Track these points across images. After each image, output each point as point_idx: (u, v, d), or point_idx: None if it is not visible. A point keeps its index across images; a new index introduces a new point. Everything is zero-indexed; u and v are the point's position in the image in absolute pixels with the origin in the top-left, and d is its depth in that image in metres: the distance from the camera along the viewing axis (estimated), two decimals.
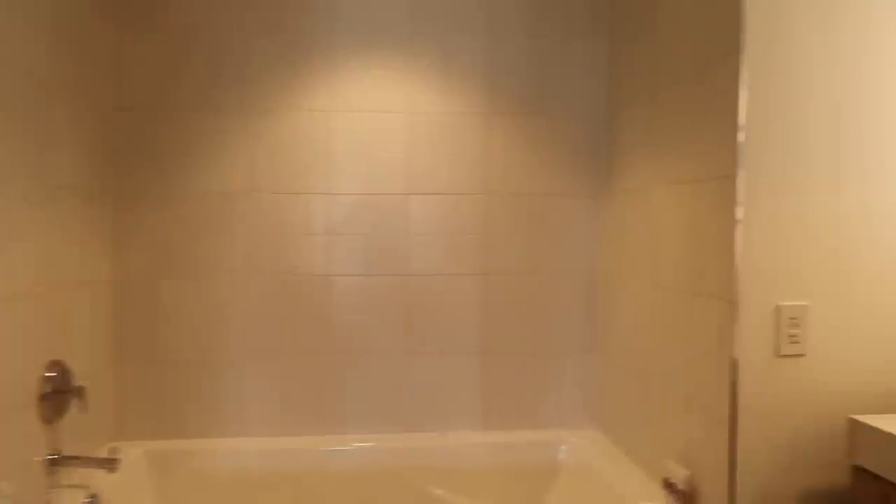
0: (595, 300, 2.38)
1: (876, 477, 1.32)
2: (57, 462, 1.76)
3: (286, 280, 2.27)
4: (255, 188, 2.25)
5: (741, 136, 1.46)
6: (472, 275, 2.34)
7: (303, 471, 2.22)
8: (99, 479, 1.85)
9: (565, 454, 2.31)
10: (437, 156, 2.31)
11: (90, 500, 1.75)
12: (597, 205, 2.37)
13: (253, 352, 2.27)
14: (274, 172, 2.26)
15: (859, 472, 1.36)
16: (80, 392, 1.82)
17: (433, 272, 2.32)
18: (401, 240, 2.32)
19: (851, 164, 1.48)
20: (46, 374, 1.75)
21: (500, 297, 2.35)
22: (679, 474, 1.68)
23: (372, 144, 2.30)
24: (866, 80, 1.48)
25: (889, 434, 1.30)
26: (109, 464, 1.77)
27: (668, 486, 1.72)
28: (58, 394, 1.77)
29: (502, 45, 2.32)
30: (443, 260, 2.33)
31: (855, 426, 1.38)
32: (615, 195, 2.25)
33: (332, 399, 2.31)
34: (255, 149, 2.25)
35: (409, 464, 2.26)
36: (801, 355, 1.48)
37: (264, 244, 2.27)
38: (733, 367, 1.49)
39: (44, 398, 1.73)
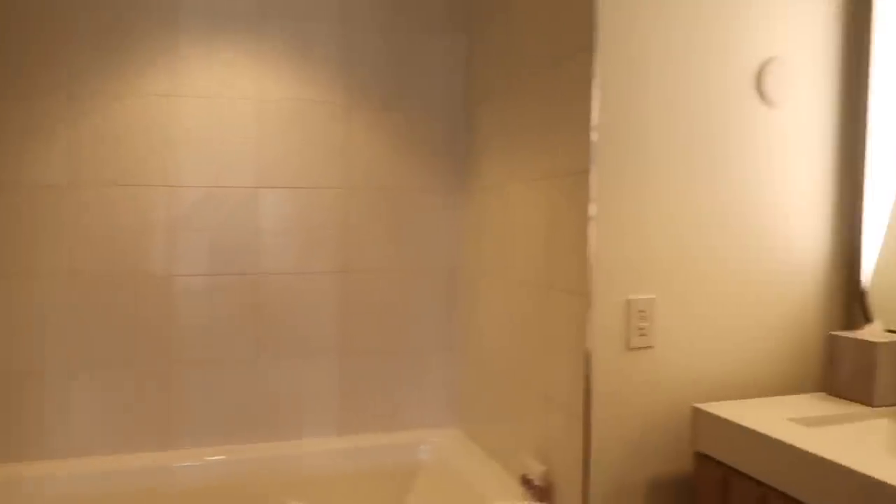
0: (456, 297, 2.36)
1: (717, 462, 1.38)
2: None
3: (119, 282, 2.04)
4: (79, 181, 2.01)
5: (594, 134, 1.48)
6: (329, 273, 2.23)
7: (148, 490, 2.01)
8: None
9: (426, 454, 2.26)
10: (290, 147, 2.18)
11: None
12: (456, 202, 2.34)
13: (83, 361, 2.02)
14: (102, 163, 2.03)
15: (701, 458, 1.42)
16: None
17: (287, 270, 2.19)
18: (250, 236, 2.16)
19: (682, 161, 1.54)
20: None
21: (359, 296, 2.26)
22: (536, 470, 1.68)
23: (218, 133, 2.12)
24: (696, 79, 1.54)
25: (725, 420, 1.35)
26: None
27: (526, 482, 1.72)
28: None
29: (358, 37, 2.23)
30: (297, 257, 2.20)
31: (697, 414, 1.43)
32: (474, 192, 2.24)
33: (178, 410, 2.11)
34: (78, 137, 2.00)
35: (265, 476, 2.12)
36: (650, 347, 1.52)
37: (92, 242, 2.02)
38: (587, 360, 1.50)
39: None
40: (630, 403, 1.52)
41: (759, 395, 1.60)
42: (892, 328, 1.55)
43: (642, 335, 1.51)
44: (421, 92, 2.29)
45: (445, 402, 2.36)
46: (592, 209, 1.48)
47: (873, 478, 1.05)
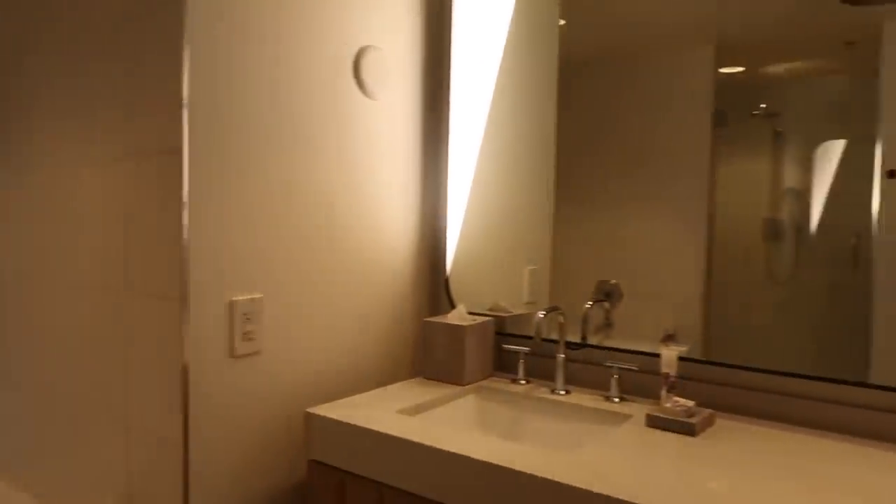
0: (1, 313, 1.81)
1: (333, 468, 1.30)
2: None
3: None
4: None
5: (187, 110, 1.24)
6: None
7: None
8: None
9: None
10: None
11: None
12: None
13: None
14: None
15: (314, 465, 1.33)
16: None
17: None
18: None
19: (285, 148, 1.42)
20: None
21: None
22: None
23: None
24: (297, 62, 1.44)
25: (336, 421, 1.29)
26: None
27: None
28: None
29: None
30: None
31: (309, 419, 1.33)
32: (20, 178, 1.74)
33: None
34: None
35: None
36: (258, 353, 1.36)
37: None
38: (184, 375, 1.26)
39: None
40: (239, 417, 1.34)
41: (372, 388, 1.58)
42: (473, 311, 1.70)
43: (249, 340, 1.34)
44: None
45: None
46: (186, 195, 1.24)
47: (468, 457, 1.09)
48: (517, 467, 1.05)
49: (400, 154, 1.69)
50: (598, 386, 1.52)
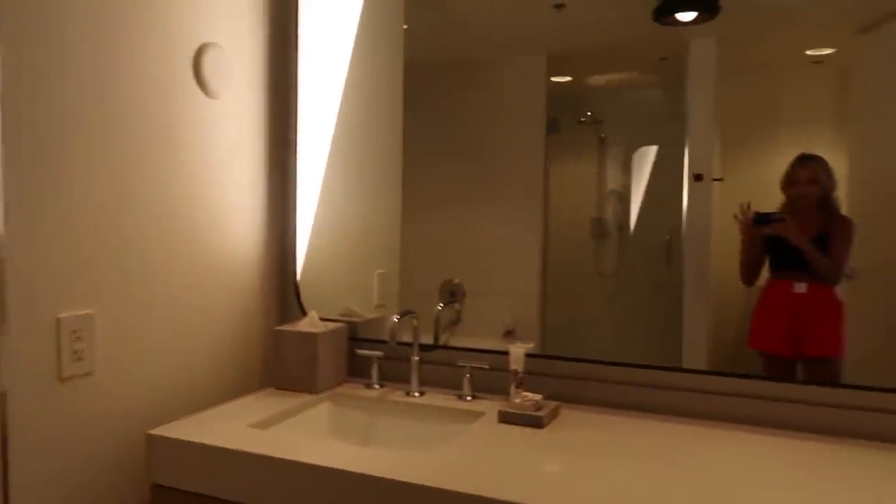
0: None
1: (180, 491, 1.22)
2: None
3: None
4: None
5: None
6: None
7: None
8: None
9: None
10: None
11: None
12: None
13: None
14: None
15: (157, 490, 1.24)
16: None
17: None
18: None
19: (120, 150, 1.31)
20: None
21: None
22: None
23: None
24: (133, 58, 1.34)
25: (179, 440, 1.22)
26: None
27: None
28: None
29: None
30: None
31: (151, 441, 1.25)
32: None
33: None
34: None
35: None
36: (89, 373, 1.24)
37: None
38: (1, 403, 1.13)
39: None
40: (70, 446, 1.22)
41: (221, 402, 1.50)
42: (325, 317, 1.68)
43: (79, 360, 1.22)
44: None
45: None
46: (1, 205, 1.11)
47: (323, 466, 1.09)
48: (371, 472, 1.06)
49: (245, 156, 1.63)
50: (452, 385, 1.56)
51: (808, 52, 1.52)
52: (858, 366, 1.40)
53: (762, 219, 1.45)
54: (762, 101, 1.56)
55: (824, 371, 1.43)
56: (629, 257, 1.70)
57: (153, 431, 1.25)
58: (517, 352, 1.45)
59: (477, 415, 1.41)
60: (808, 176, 1.42)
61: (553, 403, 1.39)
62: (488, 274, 1.75)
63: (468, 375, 1.51)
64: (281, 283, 1.77)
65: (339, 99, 1.76)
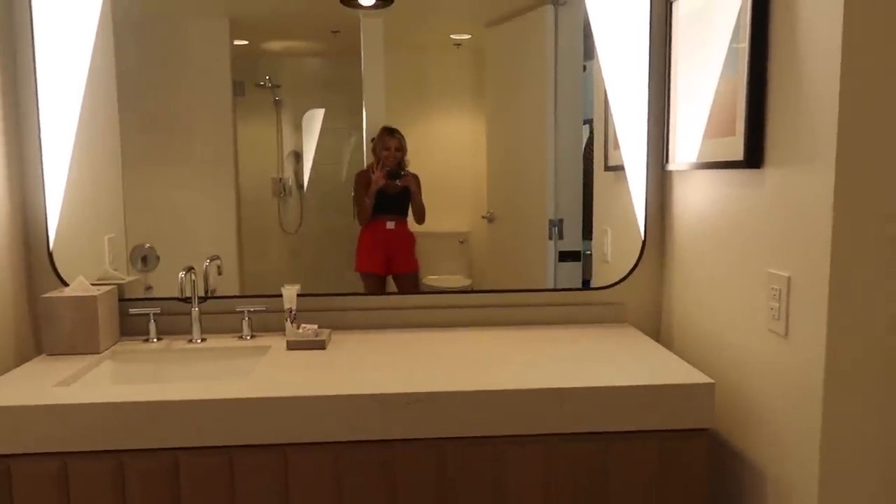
0: None
1: None
2: None
3: None
4: None
5: None
6: None
7: None
8: None
9: None
10: None
11: None
12: None
13: None
14: None
15: None
16: None
17: None
18: None
19: None
20: None
21: None
22: None
23: None
24: None
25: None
26: None
27: None
28: None
29: None
30: None
31: None
32: None
33: None
34: None
35: None
36: None
37: None
38: None
39: None
40: None
41: None
42: (94, 281, 1.72)
43: None
44: None
45: None
46: None
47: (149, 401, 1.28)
48: (200, 396, 1.27)
49: None
50: (230, 332, 1.77)
51: (452, 37, 2.00)
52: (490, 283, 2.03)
53: (395, 174, 1.93)
54: (419, 73, 1.99)
55: (409, 282, 2.00)
56: (308, 213, 1.99)
57: None
58: (290, 292, 1.73)
59: (264, 349, 1.67)
60: (396, 144, 1.92)
61: (327, 330, 1.72)
62: (186, 235, 1.89)
63: (247, 318, 1.74)
64: (33, 253, 1.74)
65: (69, 60, 1.72)
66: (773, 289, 1.27)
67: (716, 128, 1.47)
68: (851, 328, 1.12)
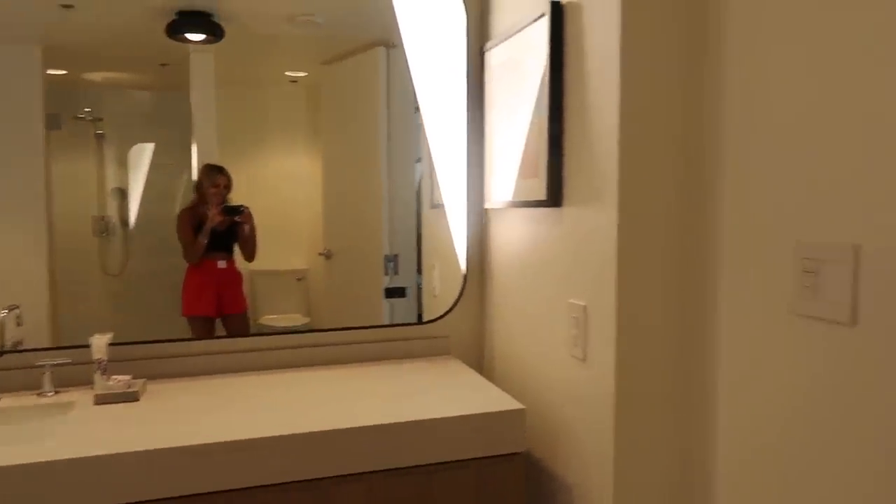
0: None
1: None
2: None
3: None
4: None
5: None
6: None
7: None
8: None
9: None
10: None
11: None
12: None
13: None
14: None
15: None
16: None
17: None
18: None
19: None
20: None
21: None
22: None
23: None
24: None
25: None
26: None
27: None
28: None
29: None
30: None
31: None
32: None
33: None
34: None
35: None
36: None
37: None
38: None
39: None
40: None
41: None
42: None
43: None
44: None
45: None
46: None
47: None
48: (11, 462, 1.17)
49: None
50: (29, 388, 1.62)
51: (288, 73, 2.01)
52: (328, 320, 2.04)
53: (234, 210, 1.89)
54: (253, 109, 1.97)
55: (240, 323, 1.94)
56: (134, 253, 1.88)
57: None
58: (99, 342, 1.59)
59: (68, 406, 1.53)
60: (224, 181, 1.89)
61: (140, 381, 1.61)
62: None
63: (48, 373, 1.59)
64: None
65: None
66: (573, 317, 1.38)
67: (526, 170, 1.59)
68: (636, 349, 1.24)
